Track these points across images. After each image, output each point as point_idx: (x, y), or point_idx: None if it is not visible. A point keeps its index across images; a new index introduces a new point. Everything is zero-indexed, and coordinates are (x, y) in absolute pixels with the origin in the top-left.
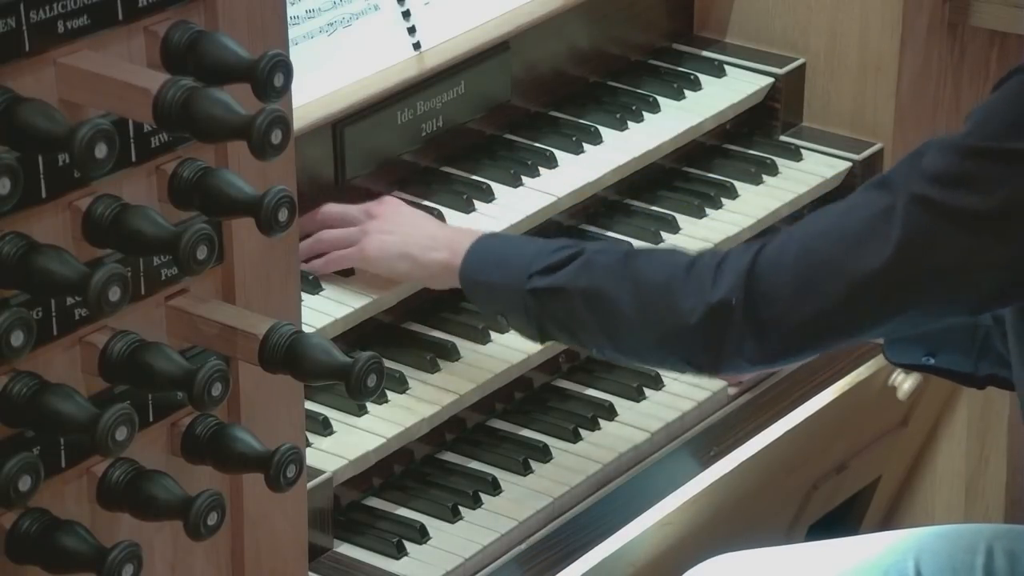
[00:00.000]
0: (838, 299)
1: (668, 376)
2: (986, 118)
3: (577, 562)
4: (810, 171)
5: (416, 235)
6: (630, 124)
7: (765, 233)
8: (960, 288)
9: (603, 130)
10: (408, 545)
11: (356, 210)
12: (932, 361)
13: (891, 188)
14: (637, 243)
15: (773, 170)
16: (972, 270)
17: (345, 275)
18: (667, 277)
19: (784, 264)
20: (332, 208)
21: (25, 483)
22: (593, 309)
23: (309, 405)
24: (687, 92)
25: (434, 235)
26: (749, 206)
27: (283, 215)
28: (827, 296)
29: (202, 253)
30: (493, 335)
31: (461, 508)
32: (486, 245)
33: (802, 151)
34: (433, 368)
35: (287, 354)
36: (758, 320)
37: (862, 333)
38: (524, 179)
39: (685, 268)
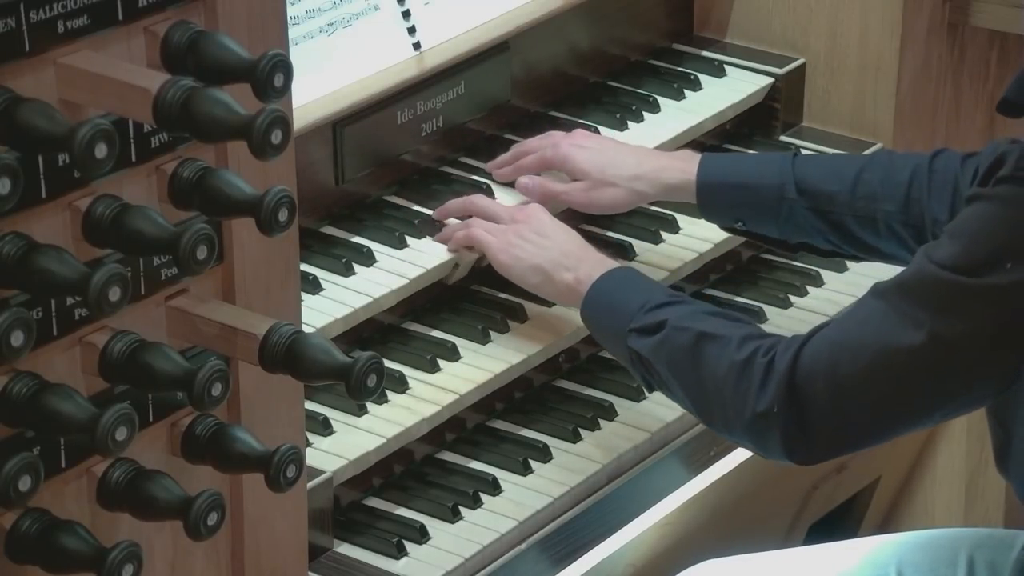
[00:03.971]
0: (865, 409)
1: None
2: (962, 247)
3: (577, 562)
4: None
5: (551, 249)
6: (630, 124)
7: None
8: (972, 387)
9: (603, 130)
10: (408, 545)
11: (502, 209)
12: (743, 226)
13: (892, 307)
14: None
15: None
16: (975, 381)
17: (345, 274)
18: (725, 374)
19: (817, 373)
20: (482, 200)
21: (25, 483)
22: (672, 383)
23: (309, 405)
24: (687, 92)
25: (568, 252)
26: None
27: (283, 215)
28: (856, 407)
29: (202, 253)
30: (493, 335)
31: (461, 508)
32: (604, 286)
33: (802, 151)
34: (433, 368)
35: (287, 354)
36: (801, 426)
37: (899, 431)
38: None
39: (740, 368)
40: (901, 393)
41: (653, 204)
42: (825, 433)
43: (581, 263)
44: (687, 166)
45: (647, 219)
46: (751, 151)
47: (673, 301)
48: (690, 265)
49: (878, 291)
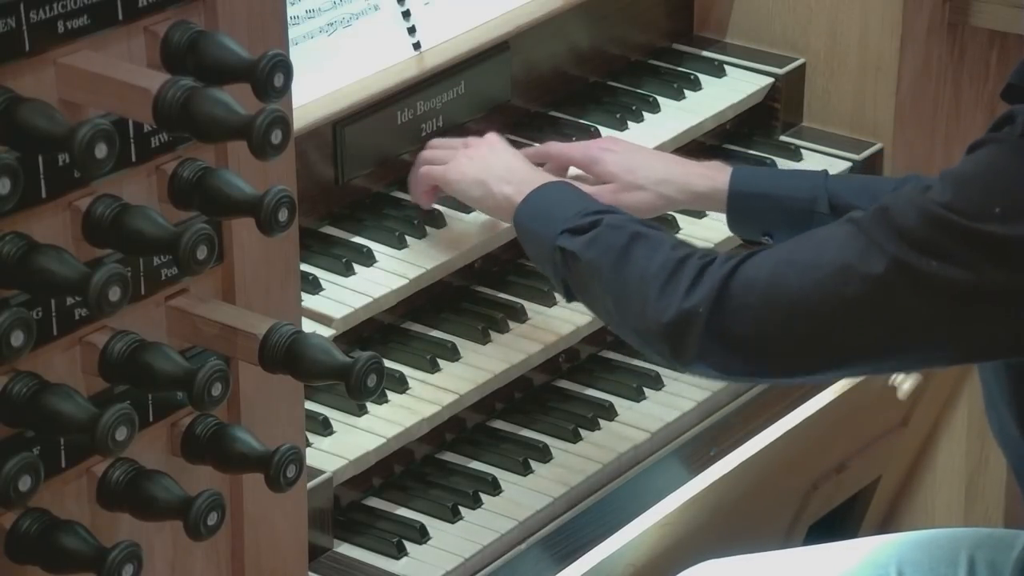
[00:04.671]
0: (795, 332)
1: (668, 376)
2: (958, 188)
3: (577, 562)
4: None
5: (496, 166)
6: (630, 124)
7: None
8: (909, 347)
9: (603, 130)
10: (408, 545)
11: (457, 141)
12: (770, 240)
13: (863, 230)
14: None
15: None
16: (922, 335)
17: (345, 274)
18: (655, 271)
19: (755, 285)
20: (437, 140)
21: (25, 483)
22: (595, 282)
23: (309, 405)
24: (687, 92)
25: (512, 169)
26: None
27: (283, 215)
28: (786, 327)
29: (202, 253)
30: (493, 335)
31: (461, 508)
32: (543, 193)
33: (802, 151)
34: (433, 368)
35: (287, 354)
36: (724, 334)
37: (819, 369)
38: None
39: (674, 265)
40: (841, 322)
41: None
42: (745, 348)
43: (523, 179)
44: (717, 175)
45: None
46: (751, 151)
47: (612, 209)
48: None
49: (852, 218)
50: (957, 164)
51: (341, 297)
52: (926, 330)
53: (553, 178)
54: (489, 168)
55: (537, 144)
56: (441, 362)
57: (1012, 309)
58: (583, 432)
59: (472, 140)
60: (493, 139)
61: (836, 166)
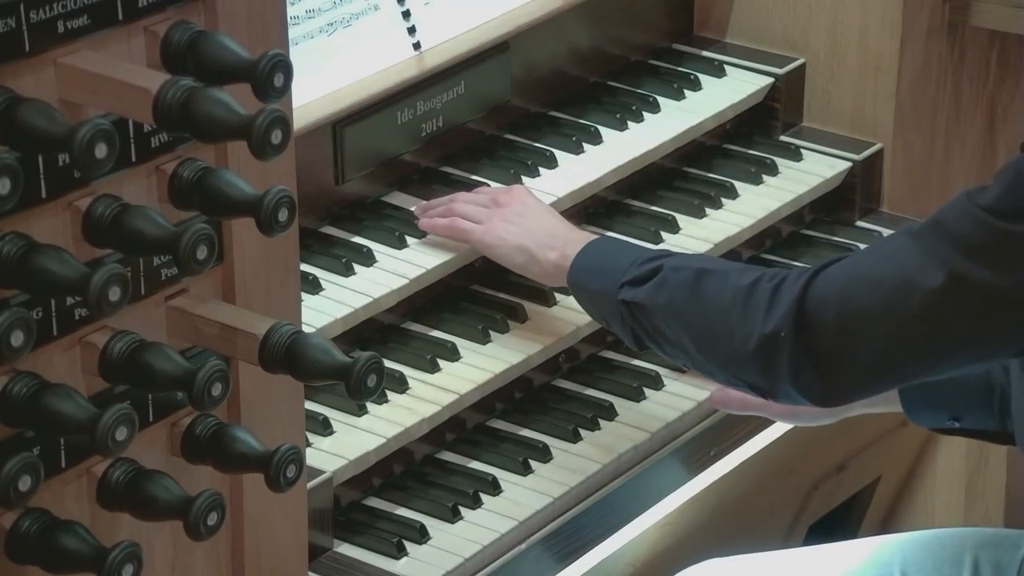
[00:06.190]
0: (874, 346)
1: (668, 376)
2: (1001, 189)
3: (577, 562)
4: (810, 171)
5: (536, 231)
6: (630, 124)
7: (765, 234)
8: (982, 345)
9: (603, 130)
10: (408, 545)
11: (484, 197)
12: (957, 424)
13: (920, 244)
14: (701, 249)
15: (773, 170)
16: (989, 333)
17: (345, 274)
18: (730, 302)
19: (827, 303)
20: (464, 197)
21: (25, 483)
22: (670, 327)
23: (309, 405)
24: (687, 92)
25: (553, 233)
26: (749, 206)
27: (283, 215)
28: (865, 342)
29: (202, 253)
30: (493, 335)
31: (461, 508)
32: (591, 251)
33: (802, 151)
34: (433, 368)
35: (287, 354)
36: (809, 353)
37: (908, 376)
38: (524, 179)
39: (745, 293)
40: (910, 336)
41: (653, 204)
42: (832, 367)
43: (565, 241)
44: None
45: (647, 219)
46: (751, 151)
47: (666, 253)
48: None
49: (911, 230)
50: (1007, 163)
51: (341, 297)
52: (986, 333)
53: (591, 235)
54: (529, 233)
55: (537, 144)
56: (441, 362)
57: None
58: (583, 432)
59: (501, 196)
60: (522, 194)
61: (836, 166)
